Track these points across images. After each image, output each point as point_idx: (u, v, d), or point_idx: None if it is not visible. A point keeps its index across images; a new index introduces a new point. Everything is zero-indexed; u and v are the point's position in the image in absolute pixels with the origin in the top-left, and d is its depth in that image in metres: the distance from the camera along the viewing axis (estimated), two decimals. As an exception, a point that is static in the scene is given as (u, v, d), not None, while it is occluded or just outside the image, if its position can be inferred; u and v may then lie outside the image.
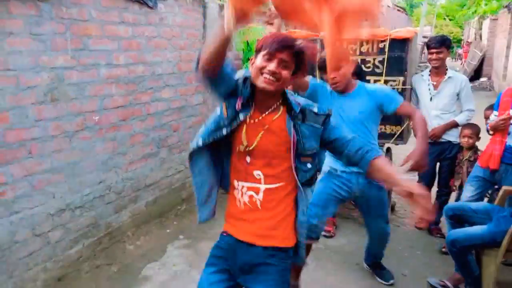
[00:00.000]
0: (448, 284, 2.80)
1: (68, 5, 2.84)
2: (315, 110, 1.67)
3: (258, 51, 1.60)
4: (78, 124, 3.01)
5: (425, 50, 5.39)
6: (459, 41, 26.81)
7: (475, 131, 3.59)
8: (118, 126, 3.38)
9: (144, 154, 3.69)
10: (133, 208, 3.62)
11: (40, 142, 2.75)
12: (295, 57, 1.58)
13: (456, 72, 3.92)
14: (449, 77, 3.74)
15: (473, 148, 3.63)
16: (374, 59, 3.94)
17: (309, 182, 1.71)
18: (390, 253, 3.41)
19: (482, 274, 2.58)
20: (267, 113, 1.65)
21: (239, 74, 1.65)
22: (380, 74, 3.93)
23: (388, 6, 13.67)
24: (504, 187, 2.89)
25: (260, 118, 1.64)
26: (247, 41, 4.29)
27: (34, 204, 2.74)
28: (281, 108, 1.67)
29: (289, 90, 1.72)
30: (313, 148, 1.67)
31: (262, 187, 1.66)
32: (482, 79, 14.77)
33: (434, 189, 4.02)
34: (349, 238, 3.70)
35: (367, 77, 3.81)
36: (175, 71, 3.97)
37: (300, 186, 1.68)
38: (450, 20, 27.03)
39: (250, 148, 1.63)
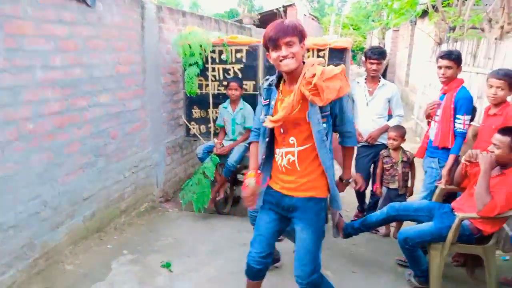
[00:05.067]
0: None
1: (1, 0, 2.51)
2: None
3: (267, 48, 2.03)
4: (11, 134, 2.66)
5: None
6: (361, 49, 29.06)
7: (400, 133, 3.88)
8: (54, 134, 3.06)
9: (81, 164, 3.38)
10: (70, 224, 3.30)
11: (-33, 155, 2.39)
12: (293, 33, 1.95)
13: (387, 80, 4.23)
14: (382, 84, 4.03)
15: (401, 149, 3.92)
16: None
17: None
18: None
19: (430, 266, 2.82)
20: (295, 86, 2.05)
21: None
22: (320, 81, 4.09)
23: (305, 15, 14.35)
24: (440, 186, 3.19)
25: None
26: (189, 44, 4.16)
27: (-40, 227, 2.37)
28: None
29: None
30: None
31: (296, 149, 2.13)
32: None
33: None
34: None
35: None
36: (113, 74, 3.71)
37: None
38: (354, 29, 29.11)
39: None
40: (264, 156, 2.24)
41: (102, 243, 3.56)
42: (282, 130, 2.13)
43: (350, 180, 2.40)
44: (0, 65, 2.54)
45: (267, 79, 2.24)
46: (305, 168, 2.14)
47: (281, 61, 1.97)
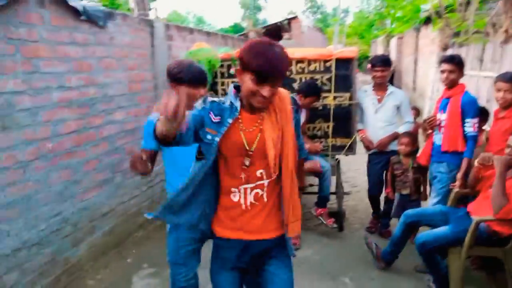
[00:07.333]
0: None
1: (16, 24, 2.61)
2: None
3: (244, 65, 1.56)
4: (31, 153, 2.75)
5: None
6: (367, 57, 29.22)
7: (410, 139, 3.90)
8: (72, 152, 3.14)
9: (99, 181, 3.46)
10: (90, 240, 3.36)
11: (-9, 175, 2.46)
12: (284, 76, 1.62)
13: (395, 87, 4.27)
14: (391, 92, 4.07)
15: (412, 155, 3.92)
16: (322, 77, 4.14)
17: None
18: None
19: (449, 271, 2.81)
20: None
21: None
22: (328, 91, 4.14)
23: (309, 27, 14.50)
24: (454, 189, 3.19)
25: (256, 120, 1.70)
26: (198, 61, 4.24)
27: (-14, 245, 2.43)
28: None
29: None
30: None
31: (266, 182, 1.74)
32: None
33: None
34: (314, 249, 3.79)
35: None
36: (126, 92, 3.80)
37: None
38: (358, 38, 29.28)
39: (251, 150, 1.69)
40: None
41: (121, 257, 3.61)
42: (247, 163, 1.69)
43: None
44: (19, 87, 2.63)
45: (223, 99, 1.74)
46: (273, 202, 1.78)
47: (255, 95, 1.58)
